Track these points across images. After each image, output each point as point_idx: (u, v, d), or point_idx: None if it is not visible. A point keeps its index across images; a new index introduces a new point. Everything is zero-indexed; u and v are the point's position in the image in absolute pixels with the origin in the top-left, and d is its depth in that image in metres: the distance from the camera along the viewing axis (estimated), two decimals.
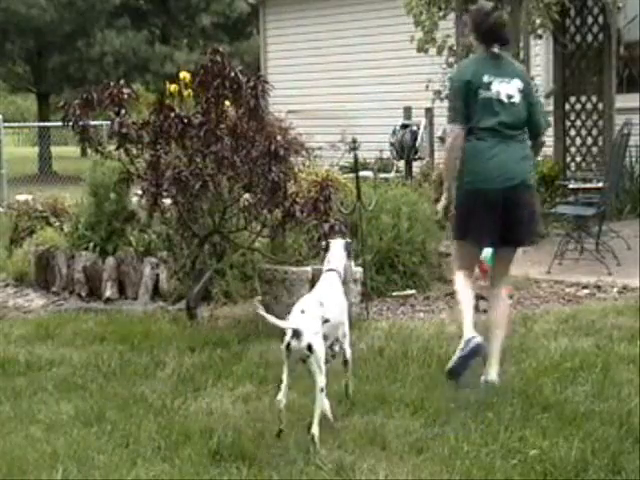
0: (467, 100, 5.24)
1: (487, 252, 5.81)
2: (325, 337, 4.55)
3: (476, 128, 5.24)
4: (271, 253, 7.11)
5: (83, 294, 7.88)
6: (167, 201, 6.80)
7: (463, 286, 5.32)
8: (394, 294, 7.49)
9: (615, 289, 7.61)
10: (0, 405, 5.05)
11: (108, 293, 7.71)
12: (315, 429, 4.27)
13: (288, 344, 4.39)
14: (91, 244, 7.92)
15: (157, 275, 7.65)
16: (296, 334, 4.35)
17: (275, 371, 5.37)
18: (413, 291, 7.56)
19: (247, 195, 6.64)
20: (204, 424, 4.58)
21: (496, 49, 5.35)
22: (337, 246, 5.13)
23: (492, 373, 5.13)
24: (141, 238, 7.83)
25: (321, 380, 4.38)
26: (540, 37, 11.58)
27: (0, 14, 25.76)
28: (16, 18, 25.68)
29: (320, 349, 4.41)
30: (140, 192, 6.96)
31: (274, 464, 4.08)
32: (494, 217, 5.18)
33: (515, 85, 5.30)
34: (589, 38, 11.65)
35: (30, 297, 8.07)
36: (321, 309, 4.60)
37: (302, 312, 4.52)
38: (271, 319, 4.43)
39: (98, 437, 4.49)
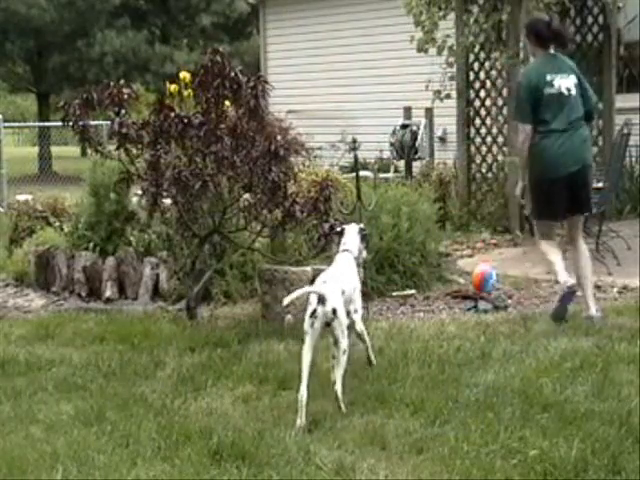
0: (534, 99, 6.36)
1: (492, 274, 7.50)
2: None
3: (543, 121, 6.36)
4: (271, 253, 7.11)
5: (83, 294, 7.88)
6: (167, 201, 6.79)
7: (550, 246, 6.61)
8: (394, 294, 7.49)
9: (615, 289, 7.60)
10: (0, 405, 5.06)
11: (108, 293, 7.71)
12: (338, 387, 4.66)
13: (314, 310, 4.69)
14: (91, 244, 7.92)
15: (157, 275, 7.65)
16: (321, 300, 4.68)
17: (275, 371, 5.39)
18: (413, 291, 7.56)
19: (247, 195, 6.64)
20: (204, 424, 4.58)
21: (552, 50, 6.51)
22: (351, 231, 5.51)
23: (592, 309, 6.41)
24: (141, 238, 7.83)
25: (344, 343, 4.73)
26: None
27: (0, 14, 25.77)
28: (16, 18, 25.70)
29: (343, 313, 4.78)
30: (140, 192, 6.95)
31: (274, 464, 4.08)
32: (563, 197, 6.44)
33: (572, 80, 6.44)
34: (589, 38, 11.64)
35: (30, 297, 8.07)
36: (339, 282, 4.95)
37: (324, 282, 4.89)
38: (296, 292, 4.88)
39: (98, 437, 4.48)
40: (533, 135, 6.38)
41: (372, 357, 5.38)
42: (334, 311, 4.68)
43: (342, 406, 4.65)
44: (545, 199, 6.50)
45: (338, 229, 5.64)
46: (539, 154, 6.44)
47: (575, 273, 6.54)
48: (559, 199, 6.44)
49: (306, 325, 4.69)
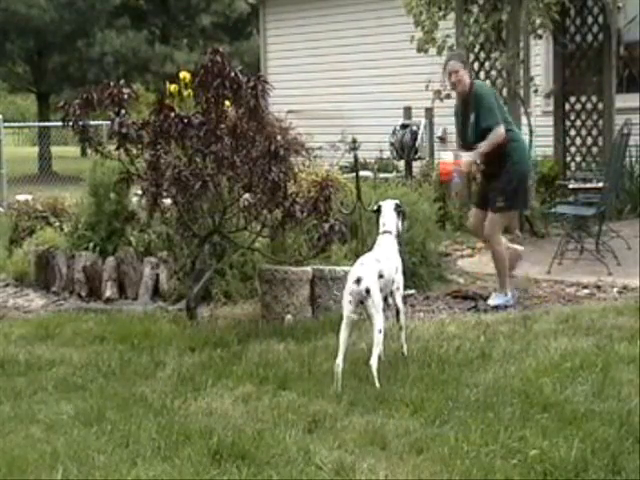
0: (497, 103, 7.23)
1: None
2: (380, 290, 5.22)
3: (508, 122, 7.19)
4: (271, 253, 7.11)
5: (83, 294, 7.88)
6: (167, 201, 6.79)
7: (505, 248, 7.25)
8: None
9: (615, 289, 7.60)
10: (0, 405, 5.05)
11: (108, 293, 7.71)
12: (374, 362, 4.96)
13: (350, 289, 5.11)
14: (91, 244, 7.92)
15: (157, 275, 7.65)
16: (357, 280, 5.10)
17: (275, 371, 5.39)
18: (413, 291, 7.55)
19: (247, 195, 6.63)
20: (204, 424, 4.58)
21: None
22: (388, 207, 5.80)
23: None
24: (141, 238, 7.83)
25: (379, 322, 5.09)
26: (540, 37, 11.58)
27: (0, 14, 25.75)
28: (16, 18, 25.67)
29: (376, 293, 5.13)
30: (140, 192, 6.95)
31: (274, 464, 4.08)
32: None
33: None
34: (589, 38, 11.64)
35: (30, 297, 8.07)
36: (377, 265, 5.32)
37: (362, 264, 5.27)
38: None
39: (98, 437, 4.48)
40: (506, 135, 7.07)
41: (404, 344, 5.61)
42: (367, 290, 5.08)
43: (377, 382, 4.93)
44: (525, 189, 7.39)
45: (375, 207, 5.90)
46: (525, 148, 7.50)
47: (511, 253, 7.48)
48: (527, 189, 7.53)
49: (344, 302, 5.15)
